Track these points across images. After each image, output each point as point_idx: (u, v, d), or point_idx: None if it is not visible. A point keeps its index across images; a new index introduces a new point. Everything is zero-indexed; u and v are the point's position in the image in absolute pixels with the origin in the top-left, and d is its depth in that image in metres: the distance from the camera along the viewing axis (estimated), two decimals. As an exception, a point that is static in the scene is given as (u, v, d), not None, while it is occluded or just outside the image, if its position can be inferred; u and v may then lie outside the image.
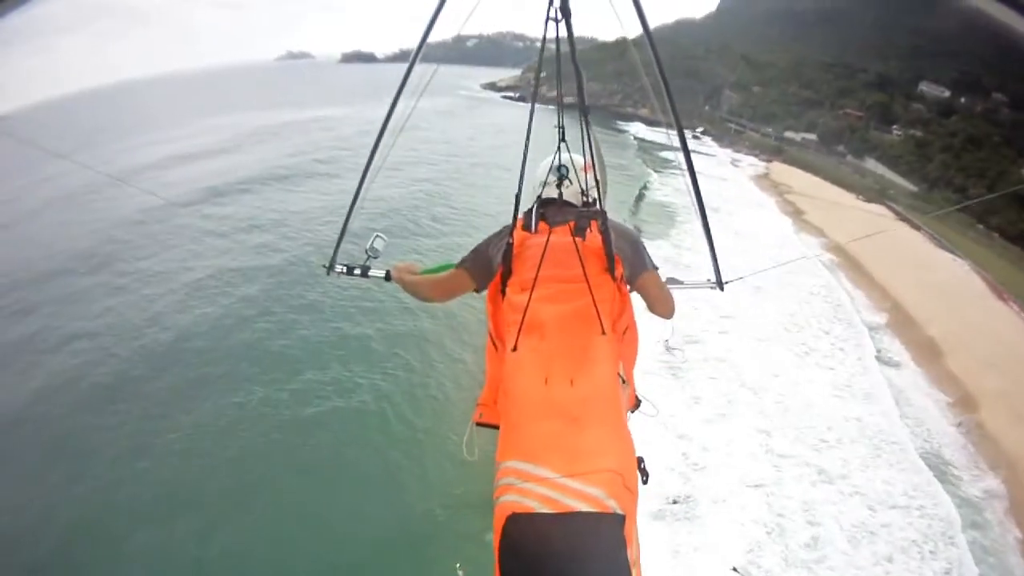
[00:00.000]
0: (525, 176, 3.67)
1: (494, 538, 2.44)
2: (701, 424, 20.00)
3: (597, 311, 3.04)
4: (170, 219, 34.27)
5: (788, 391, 22.74)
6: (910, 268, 37.85)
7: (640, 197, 50.26)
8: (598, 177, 3.48)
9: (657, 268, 3.66)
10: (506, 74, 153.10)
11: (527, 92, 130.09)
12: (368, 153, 3.89)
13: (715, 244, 4.15)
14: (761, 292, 29.85)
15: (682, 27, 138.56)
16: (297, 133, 64.70)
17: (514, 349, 3.02)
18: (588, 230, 3.38)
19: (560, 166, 3.62)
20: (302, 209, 36.53)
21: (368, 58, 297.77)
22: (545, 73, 3.74)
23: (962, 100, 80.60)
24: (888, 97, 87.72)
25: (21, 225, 35.49)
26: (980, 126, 73.07)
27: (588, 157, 3.45)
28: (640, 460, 2.81)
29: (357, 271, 4.48)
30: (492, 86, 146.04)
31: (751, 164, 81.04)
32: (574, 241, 3.25)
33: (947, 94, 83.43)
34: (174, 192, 39.95)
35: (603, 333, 3.02)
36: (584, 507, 2.39)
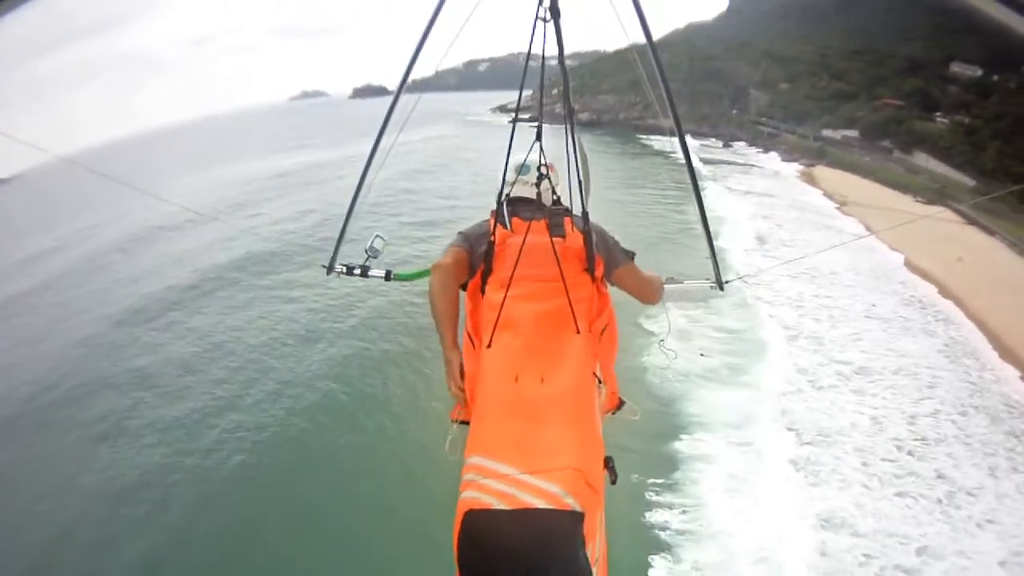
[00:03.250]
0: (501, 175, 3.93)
1: (454, 534, 2.51)
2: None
3: (572, 311, 3.17)
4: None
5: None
6: (1007, 294, 36.85)
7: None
8: (581, 178, 3.63)
9: (633, 257, 3.87)
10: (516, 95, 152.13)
11: (537, 111, 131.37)
12: (369, 150, 4.30)
13: (714, 244, 4.45)
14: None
15: (694, 30, 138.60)
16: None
17: (489, 346, 3.12)
18: (565, 229, 3.54)
19: (524, 165, 3.90)
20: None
21: (379, 91, 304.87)
22: (531, 91, 4.01)
23: (995, 78, 79.09)
24: (924, 82, 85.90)
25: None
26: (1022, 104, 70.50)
27: (573, 158, 3.61)
28: (608, 460, 2.92)
29: (357, 271, 4.69)
30: (503, 109, 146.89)
31: (796, 170, 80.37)
32: (551, 241, 3.40)
33: (980, 73, 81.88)
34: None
35: (578, 332, 3.15)
36: (541, 503, 2.47)
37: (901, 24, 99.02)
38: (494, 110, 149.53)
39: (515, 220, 3.61)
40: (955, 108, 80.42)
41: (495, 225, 3.59)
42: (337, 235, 4.76)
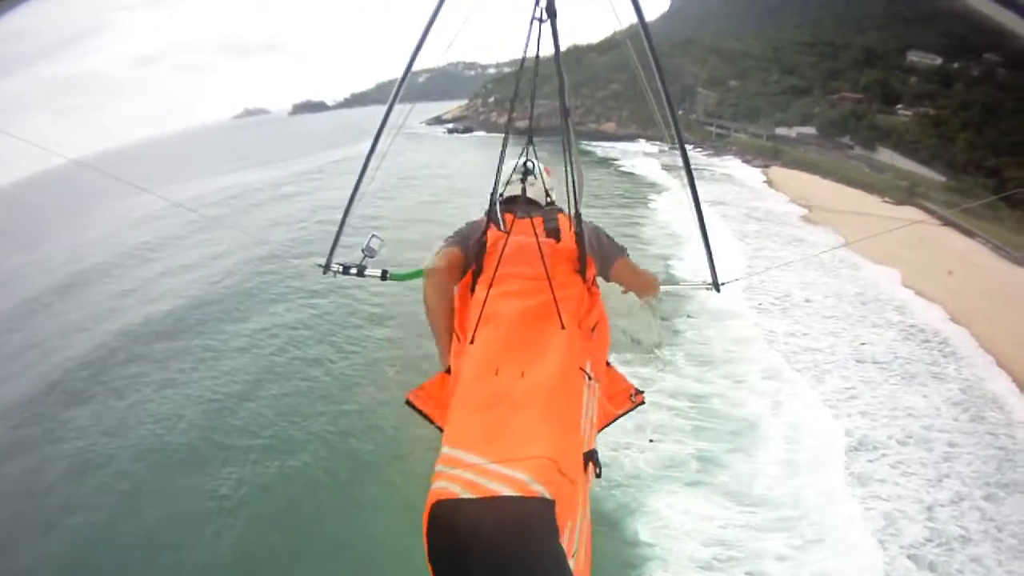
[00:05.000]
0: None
1: (423, 526, 2.33)
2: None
3: (556, 306, 3.07)
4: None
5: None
6: (1009, 311, 32.16)
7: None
8: (575, 180, 3.45)
9: (625, 251, 3.89)
10: (455, 105, 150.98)
11: (474, 121, 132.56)
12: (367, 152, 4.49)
13: (711, 246, 4.46)
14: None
15: (637, 30, 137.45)
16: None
17: (471, 342, 3.03)
18: (561, 229, 3.60)
19: (526, 163, 4.12)
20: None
21: (318, 107, 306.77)
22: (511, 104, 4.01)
23: (955, 66, 77.22)
24: (882, 73, 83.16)
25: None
26: (990, 92, 67.80)
27: (568, 160, 3.45)
28: (593, 452, 2.80)
29: (353, 271, 4.72)
30: (437, 120, 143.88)
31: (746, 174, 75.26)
32: (536, 239, 3.34)
33: (939, 62, 79.17)
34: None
35: (562, 328, 3.04)
36: (507, 491, 2.33)
37: (853, 15, 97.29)
38: (430, 122, 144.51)
39: (508, 217, 3.64)
40: (917, 99, 77.81)
41: (488, 224, 3.62)
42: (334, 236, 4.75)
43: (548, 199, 4.10)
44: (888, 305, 33.91)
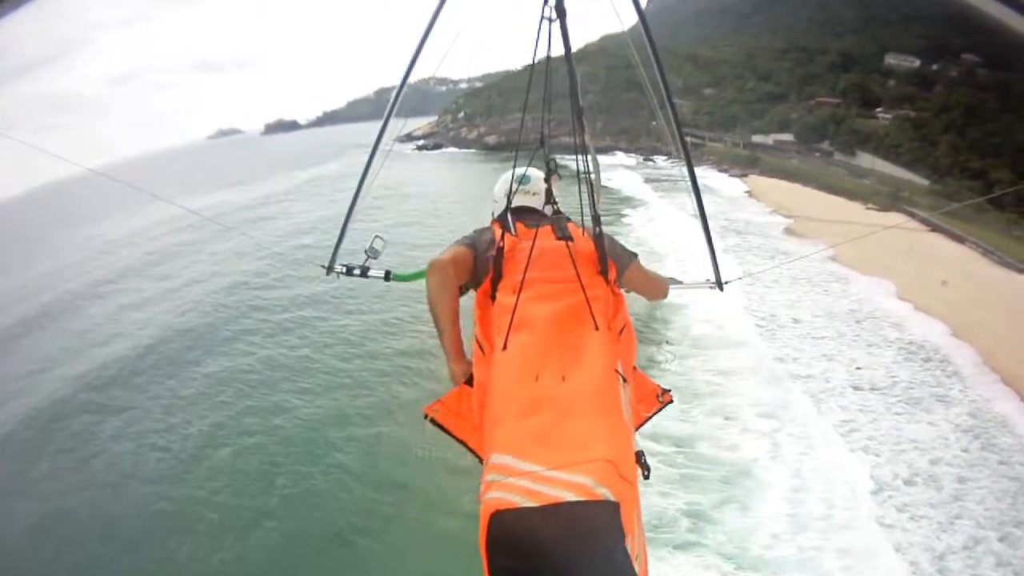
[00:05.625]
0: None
1: (480, 538, 2.27)
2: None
3: (590, 307, 3.05)
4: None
5: None
6: (1011, 322, 30.22)
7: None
8: (593, 182, 3.54)
9: (636, 256, 3.87)
10: (425, 122, 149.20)
11: (444, 137, 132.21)
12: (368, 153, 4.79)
13: (714, 245, 4.69)
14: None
15: (609, 42, 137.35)
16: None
17: (504, 348, 2.97)
18: (573, 234, 3.53)
19: (525, 175, 3.95)
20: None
21: (291, 126, 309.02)
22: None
23: (934, 68, 77.00)
24: (860, 77, 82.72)
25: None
26: (972, 94, 67.41)
27: (582, 160, 3.61)
28: (640, 454, 2.81)
29: (356, 271, 4.83)
30: (407, 137, 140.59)
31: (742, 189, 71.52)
32: (566, 244, 3.35)
33: (917, 64, 78.96)
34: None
35: (596, 329, 3.01)
36: (571, 496, 2.27)
37: (827, 20, 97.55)
38: (399, 139, 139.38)
39: (520, 226, 3.61)
40: (897, 102, 76.98)
41: (502, 232, 3.53)
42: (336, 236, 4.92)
43: (555, 207, 3.91)
44: (884, 321, 31.79)
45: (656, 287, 4.15)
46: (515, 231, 3.52)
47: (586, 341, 2.92)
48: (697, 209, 4.48)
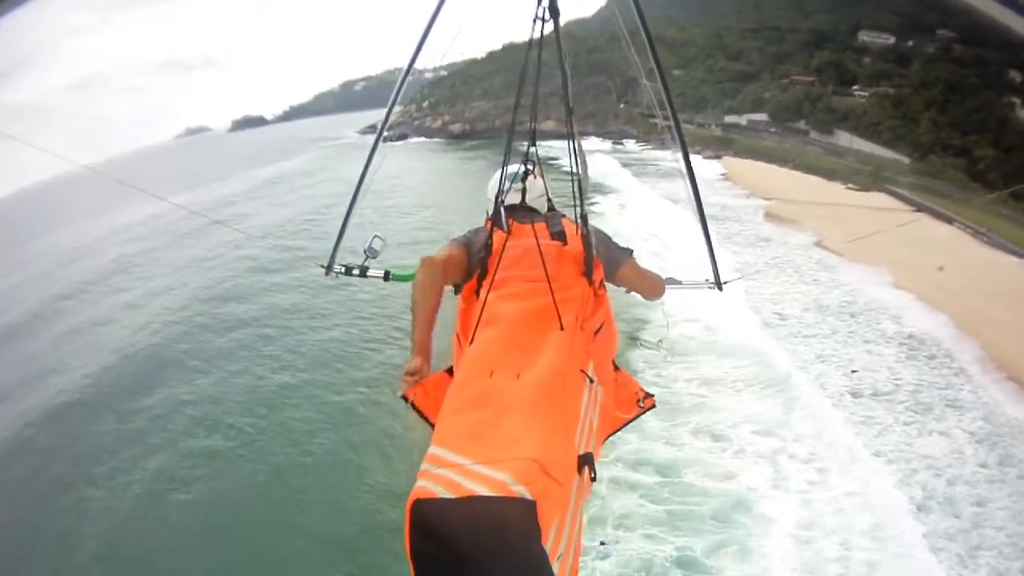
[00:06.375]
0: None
1: (405, 525, 2.30)
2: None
3: (556, 307, 3.07)
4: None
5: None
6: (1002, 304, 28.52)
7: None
8: (581, 180, 3.55)
9: (631, 254, 3.94)
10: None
11: (409, 127, 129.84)
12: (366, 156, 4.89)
13: (713, 245, 4.75)
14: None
15: (574, 25, 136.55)
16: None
17: (470, 343, 3.07)
18: (567, 232, 3.60)
19: (518, 173, 4.01)
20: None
21: (258, 122, 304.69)
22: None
23: (910, 44, 75.93)
24: (834, 55, 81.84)
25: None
26: (952, 70, 66.34)
27: (574, 158, 3.57)
28: (588, 456, 2.74)
29: (356, 271, 4.88)
30: (371, 128, 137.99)
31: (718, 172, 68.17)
32: (536, 241, 3.39)
33: (892, 40, 77.95)
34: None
35: (561, 329, 3.03)
36: (485, 491, 2.29)
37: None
38: (364, 131, 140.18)
39: (512, 223, 3.64)
40: (874, 79, 76.04)
41: (492, 230, 3.64)
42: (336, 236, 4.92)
43: (549, 204, 4.09)
44: (881, 314, 29.24)
45: (652, 285, 4.15)
46: (508, 228, 3.56)
47: (547, 340, 2.94)
48: (697, 212, 4.56)
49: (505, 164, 3.74)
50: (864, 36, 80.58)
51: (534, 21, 3.23)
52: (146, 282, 43.80)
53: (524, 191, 3.98)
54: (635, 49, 4.03)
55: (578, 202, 3.50)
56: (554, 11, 3.21)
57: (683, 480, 17.60)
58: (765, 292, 30.79)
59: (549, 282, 3.14)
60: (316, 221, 52.20)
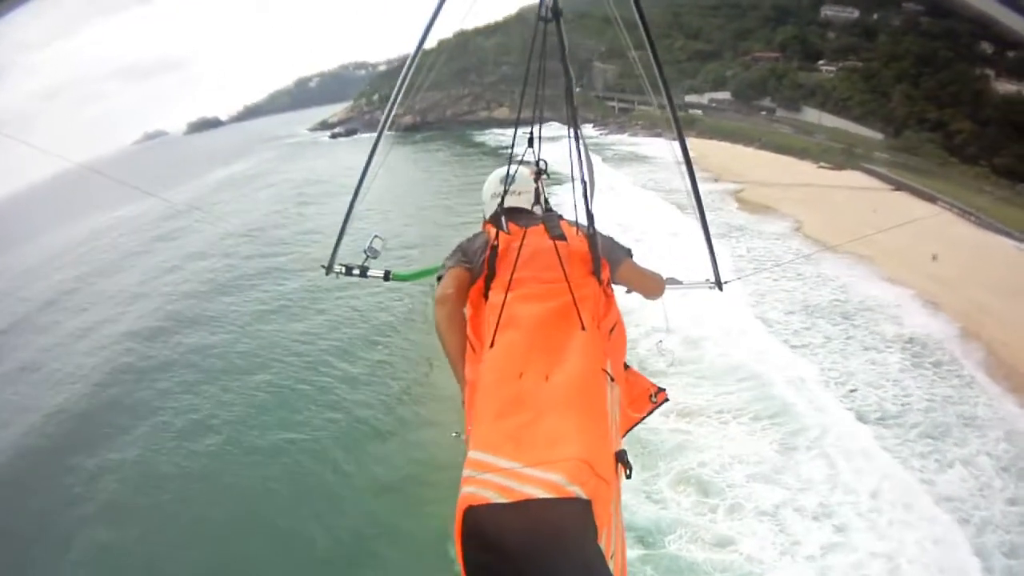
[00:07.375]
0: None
1: (455, 533, 2.29)
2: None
3: (577, 308, 3.05)
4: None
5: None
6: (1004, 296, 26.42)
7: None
8: (586, 180, 3.52)
9: (631, 253, 3.80)
10: (341, 107, 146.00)
11: (360, 122, 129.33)
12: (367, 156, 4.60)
13: (713, 245, 4.64)
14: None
15: (527, 11, 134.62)
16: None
17: (492, 346, 3.01)
18: (566, 233, 3.51)
19: (512, 177, 3.86)
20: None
21: (213, 123, 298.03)
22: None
23: (875, 17, 74.86)
24: (797, 30, 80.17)
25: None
26: (922, 42, 64.71)
27: (577, 158, 3.47)
28: (622, 453, 2.73)
29: (356, 271, 4.81)
30: (322, 125, 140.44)
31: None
32: (554, 243, 3.34)
33: (856, 14, 76.49)
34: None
35: (583, 329, 3.01)
36: (541, 493, 2.30)
37: None
38: (314, 128, 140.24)
39: (512, 225, 3.59)
40: (840, 54, 74.55)
41: (496, 232, 3.56)
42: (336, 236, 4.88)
43: (546, 206, 4.03)
44: (878, 314, 26.22)
45: (651, 284, 3.99)
46: (508, 230, 3.50)
47: (571, 341, 2.90)
48: (696, 209, 4.50)
49: (508, 168, 3.74)
50: (827, 11, 79.01)
51: (537, 21, 3.23)
52: (95, 305, 40.19)
53: (519, 192, 3.86)
54: (632, 44, 3.98)
55: (585, 201, 3.43)
56: (556, 12, 3.21)
57: (667, 551, 14.23)
58: (741, 291, 26.66)
59: (568, 282, 3.09)
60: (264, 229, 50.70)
